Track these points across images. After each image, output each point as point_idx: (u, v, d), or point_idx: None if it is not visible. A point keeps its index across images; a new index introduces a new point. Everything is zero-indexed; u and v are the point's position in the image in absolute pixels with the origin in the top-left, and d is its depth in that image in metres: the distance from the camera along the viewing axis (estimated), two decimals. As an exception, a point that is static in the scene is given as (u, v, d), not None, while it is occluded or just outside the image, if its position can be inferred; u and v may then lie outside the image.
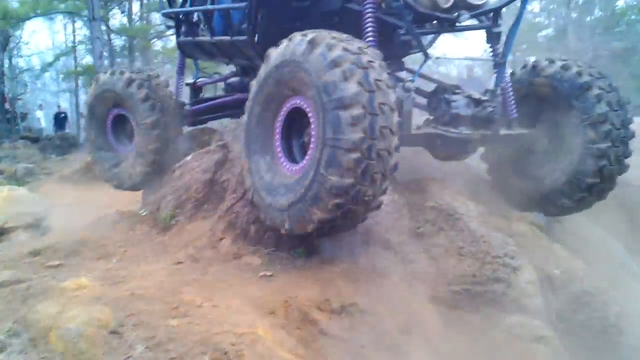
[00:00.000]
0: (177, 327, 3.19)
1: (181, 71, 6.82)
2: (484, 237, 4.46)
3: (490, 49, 5.07)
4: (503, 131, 4.96)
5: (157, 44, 24.49)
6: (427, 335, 3.88)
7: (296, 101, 4.07)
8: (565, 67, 5.06)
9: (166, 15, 6.47)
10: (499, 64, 4.95)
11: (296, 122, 4.22)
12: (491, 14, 4.90)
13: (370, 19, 4.44)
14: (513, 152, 5.25)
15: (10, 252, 5.12)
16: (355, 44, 3.79)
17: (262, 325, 3.28)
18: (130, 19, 23.86)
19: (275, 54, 4.13)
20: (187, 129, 6.98)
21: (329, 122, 3.60)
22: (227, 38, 5.45)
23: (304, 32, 3.98)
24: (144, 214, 5.63)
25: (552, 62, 5.20)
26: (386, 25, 4.68)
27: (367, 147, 3.52)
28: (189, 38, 6.06)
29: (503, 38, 5.00)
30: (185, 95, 6.83)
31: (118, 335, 3.10)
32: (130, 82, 6.18)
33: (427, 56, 4.60)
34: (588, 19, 22.15)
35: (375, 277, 4.18)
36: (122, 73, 6.36)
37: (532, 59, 5.53)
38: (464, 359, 3.75)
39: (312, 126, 3.86)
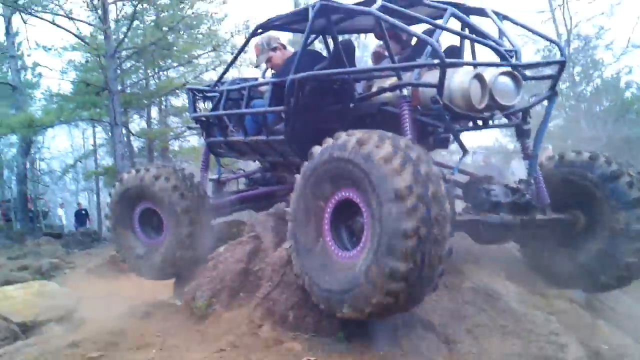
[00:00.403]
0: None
1: (205, 167, 7.11)
2: (526, 316, 4.43)
3: (519, 144, 5.30)
4: (539, 216, 5.07)
5: (175, 144, 25.21)
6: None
7: (346, 193, 4.23)
8: (593, 158, 5.27)
9: (196, 119, 6.75)
10: (530, 157, 5.14)
11: (342, 212, 4.34)
12: (520, 113, 5.12)
13: (407, 120, 4.66)
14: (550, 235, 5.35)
15: (47, 345, 5.12)
16: (402, 141, 3.99)
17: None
18: (149, 123, 24.58)
19: (319, 151, 4.35)
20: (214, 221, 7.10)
21: (383, 214, 3.74)
22: (262, 138, 5.69)
23: (348, 132, 4.21)
24: (179, 304, 5.65)
25: (579, 153, 5.42)
26: (423, 125, 4.95)
27: (424, 233, 3.63)
28: (220, 138, 6.32)
29: (532, 134, 5.21)
30: (209, 190, 7.03)
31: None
32: (157, 176, 6.37)
33: (465, 151, 4.77)
34: (597, 109, 22.76)
35: (419, 358, 4.13)
36: (147, 170, 6.56)
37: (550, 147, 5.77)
38: None
39: (365, 215, 4.02)
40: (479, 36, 4.92)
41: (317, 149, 4.41)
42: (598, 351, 4.35)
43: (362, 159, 3.94)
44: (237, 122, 6.04)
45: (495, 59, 4.70)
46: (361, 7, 4.96)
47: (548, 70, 5.19)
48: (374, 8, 4.75)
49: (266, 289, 4.74)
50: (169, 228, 6.34)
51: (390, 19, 4.72)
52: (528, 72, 4.82)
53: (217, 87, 6.41)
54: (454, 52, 5.42)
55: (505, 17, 5.34)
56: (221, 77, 6.60)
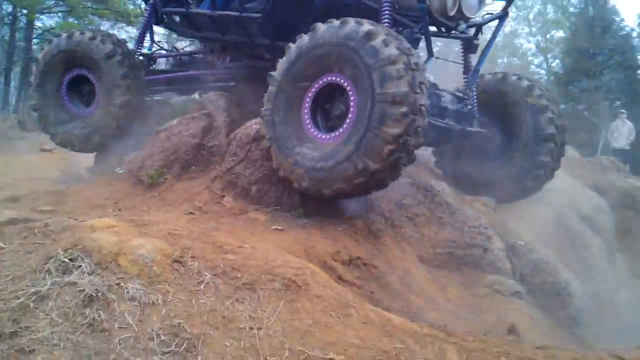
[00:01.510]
0: (234, 260, 3.43)
1: (142, 40, 6.87)
2: (459, 210, 5.06)
3: (463, 57, 5.79)
4: (472, 128, 5.64)
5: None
6: (422, 288, 4.38)
7: (337, 78, 4.42)
8: (505, 76, 5.90)
9: None
10: (474, 70, 5.64)
11: (321, 96, 4.58)
12: (474, 28, 5.58)
13: (386, 17, 4.90)
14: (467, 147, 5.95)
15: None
16: (405, 44, 4.23)
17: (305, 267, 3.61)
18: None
19: (325, 30, 4.44)
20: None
21: (376, 112, 4.05)
22: (234, 13, 5.67)
23: (358, 20, 4.34)
24: (121, 172, 5.67)
25: (520, 78, 6.00)
26: (396, 23, 5.18)
27: (403, 141, 4.03)
28: (181, 9, 6.20)
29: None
30: None
31: (182, 264, 3.30)
32: (94, 38, 6.13)
33: (432, 55, 5.14)
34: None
35: (371, 237, 4.62)
36: (82, 32, 6.28)
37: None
38: (456, 308, 4.28)
39: (352, 105, 4.28)
40: None
41: (322, 27, 4.48)
42: (513, 244, 5.13)
43: (367, 52, 4.14)
44: None
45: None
46: None
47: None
48: None
49: (229, 163, 4.95)
50: (102, 96, 6.17)
51: None
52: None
53: None
54: None
55: None
56: None
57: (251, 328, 2.87)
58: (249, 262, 3.43)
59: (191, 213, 4.49)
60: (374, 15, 4.90)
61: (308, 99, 4.58)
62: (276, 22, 5.51)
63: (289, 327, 2.91)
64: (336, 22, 4.41)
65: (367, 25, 4.26)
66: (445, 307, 4.25)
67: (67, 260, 3.21)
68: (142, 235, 3.55)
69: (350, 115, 4.30)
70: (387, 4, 4.94)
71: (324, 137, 4.50)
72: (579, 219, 7.20)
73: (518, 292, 4.53)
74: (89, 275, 3.11)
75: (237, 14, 5.69)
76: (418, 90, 4.05)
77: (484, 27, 5.84)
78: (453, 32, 5.47)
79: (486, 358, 3.05)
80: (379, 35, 4.16)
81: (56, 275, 3.11)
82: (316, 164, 4.37)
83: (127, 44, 6.38)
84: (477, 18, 5.52)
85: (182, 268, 3.28)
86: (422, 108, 4.09)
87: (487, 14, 5.74)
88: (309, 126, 4.57)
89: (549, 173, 5.86)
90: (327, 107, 4.58)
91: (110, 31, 9.66)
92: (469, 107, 5.63)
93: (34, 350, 2.58)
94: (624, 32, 26.30)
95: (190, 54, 7.17)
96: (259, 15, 5.53)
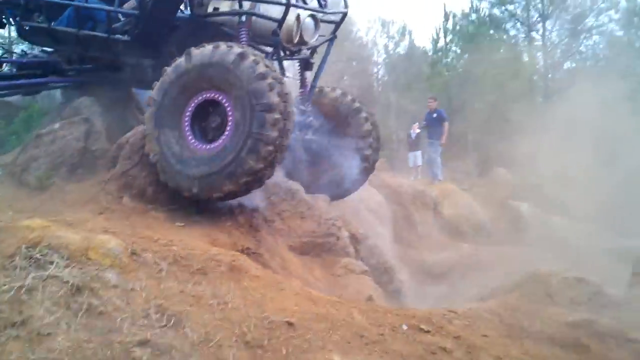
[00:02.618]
0: (177, 251, 4.16)
1: None
2: (314, 206, 6.19)
3: (300, 75, 6.86)
4: (308, 136, 6.79)
5: None
6: (296, 271, 5.42)
7: (212, 95, 5.19)
8: (344, 95, 7.19)
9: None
10: (311, 86, 6.77)
11: (200, 111, 5.31)
12: (309, 50, 6.69)
13: (244, 42, 5.73)
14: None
15: None
16: (270, 62, 5.15)
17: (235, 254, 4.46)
18: None
19: (199, 54, 5.17)
20: None
21: (255, 119, 4.90)
22: (101, 34, 6.09)
23: (228, 44, 5.17)
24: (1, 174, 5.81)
25: (334, 89, 7.26)
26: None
27: (279, 142, 4.96)
28: (44, 25, 6.43)
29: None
30: None
31: (138, 256, 3.96)
32: None
33: (284, 74, 6.12)
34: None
35: (252, 231, 5.54)
36: None
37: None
38: (324, 285, 5.40)
39: (230, 116, 5.08)
40: None
41: (195, 51, 5.20)
42: (355, 233, 6.42)
43: (242, 71, 4.97)
44: (74, 13, 6.24)
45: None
46: None
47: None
48: None
49: (125, 166, 5.49)
50: None
51: None
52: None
53: None
54: None
55: None
56: None
57: (218, 304, 3.66)
58: (190, 252, 4.17)
59: (101, 213, 4.99)
60: (231, 39, 5.71)
61: (187, 115, 5.28)
62: (142, 42, 6.05)
63: (246, 301, 3.77)
64: (209, 46, 5.15)
65: (237, 48, 5.08)
66: (316, 285, 5.35)
67: (39, 256, 3.67)
68: (91, 232, 4.08)
69: (229, 125, 5.10)
70: (243, 31, 5.81)
71: (206, 147, 5.22)
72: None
73: (366, 271, 5.81)
74: (65, 268, 3.63)
75: (104, 35, 6.13)
76: (285, 100, 5.00)
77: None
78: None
79: (376, 315, 4.21)
80: (249, 56, 5.01)
81: (33, 270, 3.57)
82: (202, 171, 5.11)
83: None
84: (313, 41, 6.60)
85: (140, 259, 3.93)
86: (290, 113, 5.07)
87: (321, 36, 6.72)
88: (190, 138, 5.27)
89: (372, 164, 7.19)
90: (205, 120, 5.33)
91: None
92: (310, 118, 6.73)
93: (49, 333, 3.11)
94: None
95: (46, 62, 7.26)
96: (125, 37, 6.05)
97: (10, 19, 6.99)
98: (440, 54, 28.64)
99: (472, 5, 25.75)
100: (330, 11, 6.52)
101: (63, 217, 4.71)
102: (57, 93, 7.82)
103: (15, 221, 4.34)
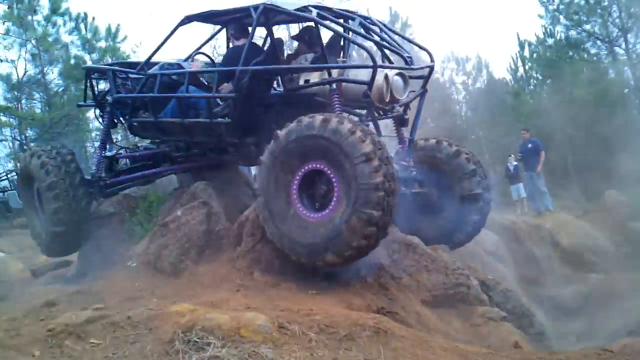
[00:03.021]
0: (320, 320, 4.22)
1: (104, 146, 7.49)
2: (438, 257, 6.13)
3: (396, 131, 6.90)
4: (414, 190, 6.77)
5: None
6: (434, 325, 5.35)
7: (314, 165, 5.30)
8: (439, 142, 7.16)
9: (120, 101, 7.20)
10: (409, 141, 6.81)
11: (305, 182, 5.43)
12: (402, 107, 6.75)
13: (337, 110, 5.83)
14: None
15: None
16: (352, 118, 5.25)
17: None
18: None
19: (287, 131, 5.35)
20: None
21: (360, 197, 4.93)
22: (204, 120, 6.44)
23: (310, 115, 5.31)
24: (134, 265, 6.15)
25: (427, 139, 7.27)
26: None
27: (382, 222, 4.98)
28: (150, 119, 6.90)
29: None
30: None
31: (285, 329, 4.04)
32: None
33: (380, 134, 6.11)
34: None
35: (382, 290, 5.54)
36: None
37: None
38: (465, 337, 5.29)
39: (335, 180, 5.17)
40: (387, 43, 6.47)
41: (282, 132, 5.38)
42: (485, 279, 6.29)
43: (331, 133, 5.08)
44: (176, 104, 6.63)
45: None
46: (304, 14, 6.14)
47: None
48: (314, 15, 6.01)
49: (249, 243, 5.68)
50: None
51: (327, 25, 6.06)
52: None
53: (143, 71, 6.93)
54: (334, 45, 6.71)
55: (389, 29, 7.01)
56: (147, 60, 7.06)
57: (373, 367, 3.68)
58: (333, 319, 4.23)
59: (238, 290, 5.17)
60: (324, 108, 5.90)
61: (296, 182, 5.41)
62: (241, 122, 6.32)
63: (400, 361, 3.76)
64: (319, 117, 5.25)
65: (347, 124, 5.14)
66: (458, 337, 5.25)
67: (196, 339, 3.83)
68: (225, 312, 4.23)
69: (335, 197, 5.18)
70: (336, 98, 5.92)
71: (312, 215, 5.31)
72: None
73: (504, 317, 5.65)
74: (222, 348, 3.77)
75: (207, 120, 6.44)
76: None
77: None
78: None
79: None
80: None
81: (194, 352, 3.73)
82: (308, 240, 5.19)
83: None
84: (405, 98, 6.65)
85: (288, 332, 4.02)
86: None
87: (411, 91, 6.71)
88: (298, 205, 5.37)
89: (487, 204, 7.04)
90: (312, 188, 5.43)
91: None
92: (414, 172, 6.74)
93: None
94: None
95: (156, 153, 7.72)
96: (226, 119, 6.34)
97: (121, 118, 7.52)
98: (521, 83, 28.24)
99: (545, 30, 25.15)
100: (417, 67, 6.60)
101: (205, 298, 4.90)
102: (164, 180, 8.23)
103: (162, 307, 4.59)
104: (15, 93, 25.39)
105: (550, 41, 25.42)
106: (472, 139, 28.38)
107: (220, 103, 6.52)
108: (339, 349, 3.87)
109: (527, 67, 27.68)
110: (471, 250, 8.05)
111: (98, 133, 29.81)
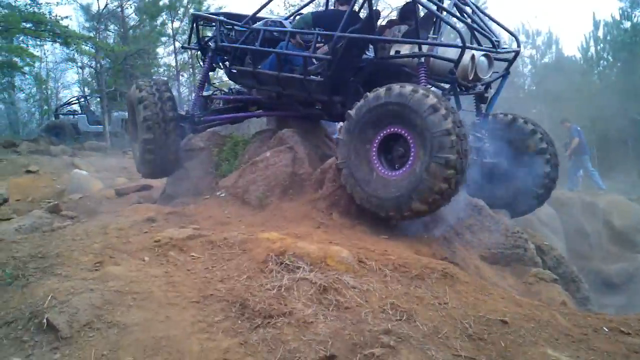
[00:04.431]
0: (395, 260, 4.80)
1: (203, 86, 8.22)
2: (500, 220, 6.64)
3: (476, 106, 7.29)
4: (486, 160, 7.21)
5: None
6: (489, 279, 5.89)
7: (394, 129, 5.83)
8: (514, 119, 7.55)
9: (224, 49, 7.88)
10: (485, 115, 7.22)
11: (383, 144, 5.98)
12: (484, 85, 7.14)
13: (423, 82, 6.29)
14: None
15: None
16: (457, 117, 5.58)
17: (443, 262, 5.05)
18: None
19: (374, 95, 5.87)
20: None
21: (435, 144, 5.42)
22: (297, 76, 7.04)
23: (401, 84, 5.78)
24: (222, 195, 6.87)
25: (505, 114, 7.66)
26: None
27: (459, 164, 5.42)
28: (249, 69, 7.56)
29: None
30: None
31: (364, 264, 4.65)
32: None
33: (460, 107, 6.65)
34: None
35: (446, 243, 6.09)
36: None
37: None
38: (518, 292, 5.81)
39: (412, 144, 5.69)
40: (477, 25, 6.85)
41: (371, 94, 5.90)
42: (541, 245, 6.78)
43: (397, 98, 5.62)
44: (275, 59, 7.25)
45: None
46: None
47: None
48: None
49: (330, 188, 6.29)
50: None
51: (424, 2, 6.48)
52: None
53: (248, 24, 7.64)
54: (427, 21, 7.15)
55: (481, 11, 7.37)
56: (254, 15, 7.74)
57: (439, 304, 4.24)
58: (406, 260, 4.82)
59: (318, 227, 5.80)
60: (411, 78, 6.39)
61: (376, 143, 5.97)
62: (332, 82, 6.87)
63: (462, 302, 4.32)
64: (409, 87, 5.70)
65: (432, 98, 5.56)
66: (510, 291, 5.79)
67: (288, 262, 4.49)
68: (310, 243, 4.86)
69: (412, 153, 5.68)
70: (422, 71, 6.35)
71: (393, 174, 5.85)
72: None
73: (555, 279, 6.16)
74: (310, 272, 4.41)
75: (301, 76, 7.01)
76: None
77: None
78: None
79: (576, 318, 4.58)
80: (441, 110, 5.48)
81: (286, 273, 4.38)
82: (392, 194, 5.74)
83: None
84: (487, 78, 6.96)
85: (367, 266, 4.63)
86: (465, 136, 5.53)
87: (494, 72, 7.08)
88: (380, 168, 5.93)
89: (552, 181, 7.41)
90: (390, 151, 5.98)
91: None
92: (486, 144, 7.17)
93: (312, 322, 3.78)
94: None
95: (248, 99, 8.45)
96: (319, 78, 6.91)
97: (220, 64, 8.19)
98: (591, 62, 27.82)
99: (623, 12, 24.56)
100: (503, 50, 6.96)
101: (290, 230, 5.56)
102: (245, 124, 8.94)
103: (253, 234, 5.26)
104: (95, 23, 26.57)
105: (626, 24, 24.94)
106: (534, 113, 28.16)
107: (315, 62, 7.07)
108: (410, 285, 4.46)
109: (598, 47, 27.22)
110: (528, 219, 8.50)
111: (166, 69, 31.16)
